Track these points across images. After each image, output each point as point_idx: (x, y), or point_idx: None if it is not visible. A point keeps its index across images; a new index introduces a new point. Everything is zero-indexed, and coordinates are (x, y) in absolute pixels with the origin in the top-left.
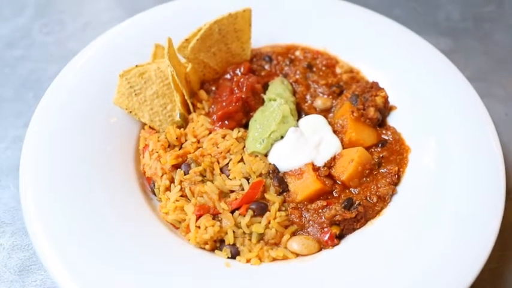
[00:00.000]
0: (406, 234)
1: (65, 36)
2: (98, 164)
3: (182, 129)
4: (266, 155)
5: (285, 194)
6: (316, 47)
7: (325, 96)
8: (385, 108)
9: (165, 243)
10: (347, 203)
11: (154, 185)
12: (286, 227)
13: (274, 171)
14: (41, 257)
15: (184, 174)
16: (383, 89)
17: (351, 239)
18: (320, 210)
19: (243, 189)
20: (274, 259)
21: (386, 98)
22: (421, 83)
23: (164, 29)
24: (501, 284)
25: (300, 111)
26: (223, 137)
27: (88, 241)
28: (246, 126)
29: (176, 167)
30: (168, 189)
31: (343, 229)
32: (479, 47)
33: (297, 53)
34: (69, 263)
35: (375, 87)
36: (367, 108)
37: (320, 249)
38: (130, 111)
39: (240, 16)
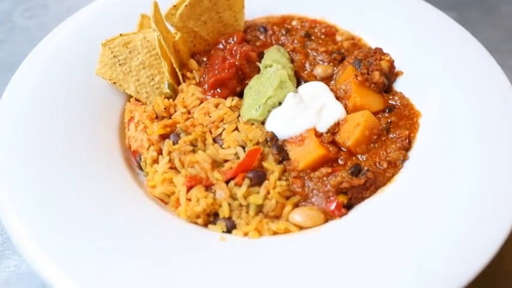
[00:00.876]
0: (420, 202)
1: (48, 20)
2: (78, 139)
3: (171, 100)
4: (263, 123)
5: (285, 162)
6: (314, 16)
7: (326, 63)
8: (391, 74)
9: (152, 219)
10: (354, 169)
11: (140, 159)
12: (287, 197)
13: (272, 139)
14: (14, 241)
15: (173, 144)
16: (388, 54)
17: (360, 209)
18: (325, 178)
19: (238, 158)
20: (275, 233)
21: (392, 62)
22: (428, 46)
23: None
24: None
25: (299, 80)
26: (216, 106)
27: (67, 222)
28: (240, 95)
29: (164, 137)
30: (155, 161)
31: (351, 198)
32: (486, 19)
33: (294, 22)
34: (46, 246)
35: (378, 52)
36: (372, 72)
37: (326, 221)
38: (114, 82)
39: None
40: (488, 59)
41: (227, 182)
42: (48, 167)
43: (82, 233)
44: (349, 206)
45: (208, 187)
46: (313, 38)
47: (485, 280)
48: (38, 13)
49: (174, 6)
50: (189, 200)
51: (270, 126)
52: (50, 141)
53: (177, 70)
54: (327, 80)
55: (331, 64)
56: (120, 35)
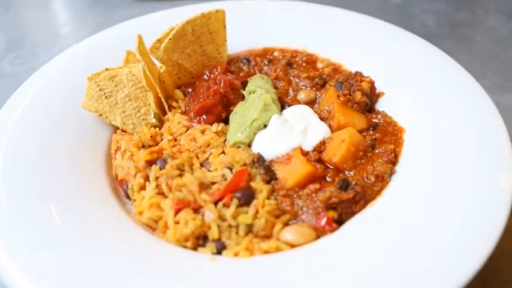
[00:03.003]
0: (410, 215)
1: (37, 66)
2: (65, 171)
3: (157, 129)
4: (249, 146)
5: (273, 182)
6: (295, 47)
7: (308, 88)
8: (372, 94)
9: (140, 244)
10: (343, 183)
11: (127, 187)
12: (277, 216)
13: (259, 160)
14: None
15: (160, 169)
16: (368, 76)
17: (350, 224)
18: (313, 195)
19: (225, 179)
20: (266, 252)
21: (372, 83)
22: (406, 68)
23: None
24: None
25: (283, 105)
26: (202, 132)
27: (55, 254)
28: (226, 121)
29: (151, 163)
30: (142, 188)
31: (341, 213)
32: (460, 48)
33: (275, 53)
34: (32, 276)
35: (359, 75)
36: (354, 93)
37: (318, 238)
38: (101, 114)
39: (214, 17)
40: (465, 74)
41: (215, 203)
42: (35, 200)
43: (70, 263)
44: (339, 222)
45: (196, 210)
46: (294, 66)
47: None
48: (27, 60)
49: (158, 40)
50: (177, 223)
51: (257, 147)
52: (37, 174)
53: (163, 100)
54: (310, 104)
55: (313, 89)
56: (106, 69)
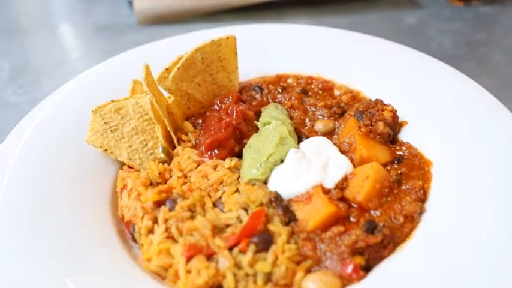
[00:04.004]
0: (444, 258)
1: (40, 96)
2: (67, 211)
3: (166, 164)
4: (265, 183)
5: (292, 223)
6: (309, 73)
7: (326, 118)
8: (395, 124)
9: None
10: (369, 225)
11: (134, 229)
12: (298, 262)
13: (276, 199)
14: None
15: (170, 211)
16: (389, 104)
17: (379, 270)
18: (337, 238)
19: (241, 222)
20: None
21: (394, 112)
22: (430, 93)
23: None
24: None
25: (299, 136)
26: (214, 168)
27: None
28: (239, 155)
29: (159, 204)
30: (150, 231)
31: (368, 259)
32: (481, 69)
33: (289, 80)
34: None
35: (379, 103)
36: (375, 123)
37: (343, 286)
38: (106, 150)
39: (224, 43)
40: (492, 100)
41: (230, 249)
42: (35, 241)
43: None
44: (367, 268)
45: (210, 256)
46: (310, 93)
47: None
48: (31, 89)
49: (167, 69)
50: (189, 272)
51: (273, 185)
52: (38, 213)
53: (172, 133)
54: (328, 134)
55: (331, 118)
56: (112, 101)
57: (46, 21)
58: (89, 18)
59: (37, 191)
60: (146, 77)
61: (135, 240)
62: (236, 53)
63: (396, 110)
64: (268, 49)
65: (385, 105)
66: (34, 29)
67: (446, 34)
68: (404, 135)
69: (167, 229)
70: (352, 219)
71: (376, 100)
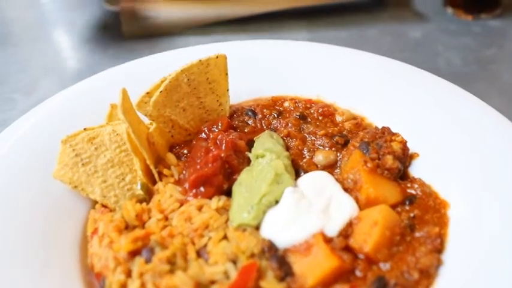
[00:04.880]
0: None
1: (15, 114)
2: (27, 259)
3: (145, 204)
4: (258, 228)
5: (289, 279)
6: (308, 95)
7: (327, 148)
8: (405, 156)
9: None
10: (379, 283)
11: (104, 283)
12: None
13: (270, 249)
14: None
15: (146, 263)
16: (398, 133)
17: None
18: None
19: (228, 278)
20: None
21: (404, 143)
22: (442, 121)
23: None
24: None
25: (297, 170)
26: (199, 208)
27: None
28: (228, 194)
29: (135, 254)
30: (123, 286)
31: None
32: (491, 88)
33: (286, 104)
34: None
35: (387, 132)
36: (383, 157)
37: None
38: (76, 186)
39: (213, 63)
40: (508, 125)
41: None
42: None
43: None
44: None
45: None
46: (309, 119)
47: None
48: (4, 108)
49: (147, 93)
50: None
51: (267, 231)
52: None
53: (152, 167)
54: (330, 168)
55: (333, 149)
56: (85, 129)
57: (25, 34)
58: (72, 29)
59: None
60: (123, 103)
61: None
62: (227, 74)
63: (406, 141)
64: (262, 68)
65: (393, 134)
66: (12, 42)
67: (454, 50)
68: (415, 170)
69: (142, 285)
70: (358, 273)
71: (383, 128)
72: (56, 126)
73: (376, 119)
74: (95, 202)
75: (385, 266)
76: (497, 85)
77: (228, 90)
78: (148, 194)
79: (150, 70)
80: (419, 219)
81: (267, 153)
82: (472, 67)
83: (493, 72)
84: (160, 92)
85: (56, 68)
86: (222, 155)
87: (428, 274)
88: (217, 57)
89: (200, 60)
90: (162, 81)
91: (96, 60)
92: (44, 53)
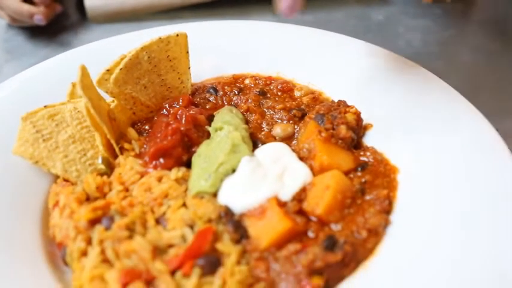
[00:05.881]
0: (411, 276)
1: None
2: None
3: (106, 177)
4: (215, 196)
5: (244, 241)
6: (268, 73)
7: (285, 122)
8: (359, 127)
9: None
10: (328, 242)
11: (65, 252)
12: (250, 286)
13: (227, 214)
14: None
15: (105, 230)
16: (353, 106)
17: None
18: (293, 258)
19: (185, 241)
20: None
21: (358, 114)
22: (396, 94)
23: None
24: None
25: (255, 142)
26: (159, 179)
27: None
28: (188, 165)
29: (94, 223)
30: (84, 254)
31: (327, 279)
32: (450, 68)
33: (247, 81)
34: None
35: (342, 104)
36: (337, 127)
37: None
38: (37, 161)
39: (173, 41)
40: (463, 101)
41: (172, 272)
42: None
43: None
44: None
45: (149, 282)
46: (269, 95)
47: None
48: None
49: (108, 70)
50: None
51: (224, 198)
52: None
53: (113, 142)
54: (288, 140)
55: (291, 122)
56: (45, 106)
57: None
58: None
59: None
60: (82, 79)
61: (67, 264)
62: (187, 52)
63: (360, 112)
64: (224, 48)
65: (348, 106)
66: None
67: (415, 31)
68: (368, 140)
69: (102, 251)
70: (310, 234)
71: (339, 101)
72: (17, 106)
73: (333, 94)
74: (57, 177)
75: (336, 227)
76: (455, 65)
77: (189, 68)
78: (109, 168)
79: (112, 50)
80: (370, 183)
81: (225, 126)
82: (431, 48)
83: (451, 54)
84: (120, 69)
85: (18, 52)
86: (182, 128)
87: (376, 233)
88: (177, 35)
89: (160, 38)
90: (122, 59)
91: (60, 45)
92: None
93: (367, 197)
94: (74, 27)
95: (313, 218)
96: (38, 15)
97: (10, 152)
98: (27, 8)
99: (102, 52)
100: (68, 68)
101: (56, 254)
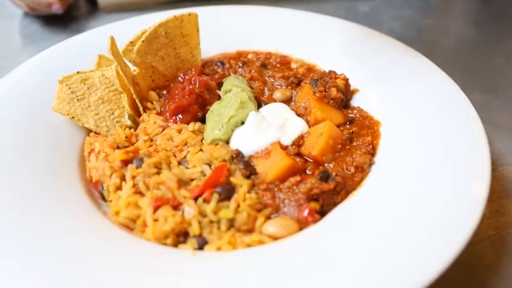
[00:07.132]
0: (391, 203)
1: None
2: (37, 174)
3: (132, 130)
4: (228, 143)
5: (253, 177)
6: (268, 49)
7: (284, 87)
8: (347, 90)
9: (118, 244)
10: (323, 174)
11: (103, 188)
12: (258, 210)
13: (238, 155)
14: None
15: (137, 168)
16: (342, 73)
17: (333, 214)
18: (294, 187)
19: (204, 175)
20: (248, 245)
21: (346, 80)
22: (379, 65)
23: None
24: (502, 249)
25: (259, 103)
26: (179, 131)
27: (32, 254)
28: (202, 121)
29: (127, 163)
30: (119, 188)
31: (323, 204)
32: (427, 49)
33: (249, 56)
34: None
35: (333, 73)
36: (329, 90)
37: (300, 229)
38: (73, 117)
39: (186, 20)
40: (439, 72)
41: (195, 199)
42: (7, 206)
43: (47, 266)
44: (322, 213)
45: (176, 207)
46: (269, 67)
47: (468, 277)
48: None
49: (131, 42)
50: (156, 220)
51: (235, 144)
52: (8, 180)
53: (137, 101)
54: (286, 102)
55: (289, 87)
56: (78, 72)
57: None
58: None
59: (7, 157)
60: (111, 47)
61: (103, 198)
62: (198, 30)
63: (348, 78)
64: (229, 29)
65: (338, 74)
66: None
67: (397, 20)
68: (355, 101)
69: (134, 185)
70: (308, 171)
71: (330, 71)
72: (51, 72)
73: (325, 66)
74: (89, 131)
75: (329, 166)
76: (432, 48)
77: (199, 44)
78: (134, 124)
79: (130, 30)
80: (357, 134)
81: (234, 88)
82: (411, 33)
83: (430, 38)
84: (142, 41)
85: (39, 41)
86: (196, 90)
87: (362, 169)
88: (189, 14)
89: (175, 16)
90: (143, 33)
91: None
92: (25, 28)
93: (355, 143)
94: (85, 16)
95: (310, 159)
96: (56, 4)
97: (50, 109)
98: None
99: (120, 31)
100: (92, 43)
101: (93, 192)
